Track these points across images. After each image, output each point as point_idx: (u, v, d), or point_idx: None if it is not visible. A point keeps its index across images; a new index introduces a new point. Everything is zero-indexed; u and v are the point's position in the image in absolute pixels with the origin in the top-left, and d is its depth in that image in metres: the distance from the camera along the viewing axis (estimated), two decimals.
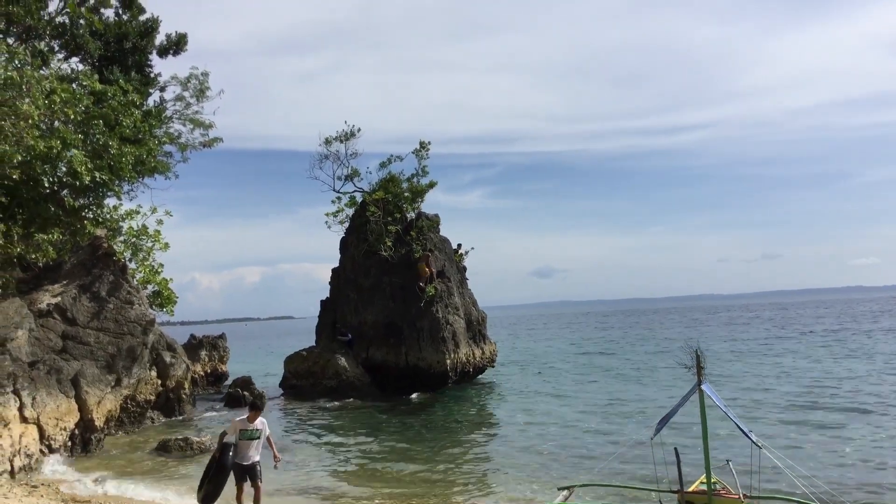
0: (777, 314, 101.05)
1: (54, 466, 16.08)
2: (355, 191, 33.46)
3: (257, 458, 11.27)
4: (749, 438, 9.92)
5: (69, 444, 17.36)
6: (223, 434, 11.23)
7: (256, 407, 11.42)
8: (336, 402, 26.91)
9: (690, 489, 10.45)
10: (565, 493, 11.72)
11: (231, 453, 10.90)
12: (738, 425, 10.09)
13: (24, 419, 15.73)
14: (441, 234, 32.78)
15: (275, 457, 11.69)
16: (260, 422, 11.27)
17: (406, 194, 32.36)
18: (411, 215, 32.30)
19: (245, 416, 11.25)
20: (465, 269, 33.76)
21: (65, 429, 17.11)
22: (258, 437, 11.21)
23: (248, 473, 11.08)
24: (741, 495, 10.21)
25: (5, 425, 14.93)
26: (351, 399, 27.33)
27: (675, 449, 10.07)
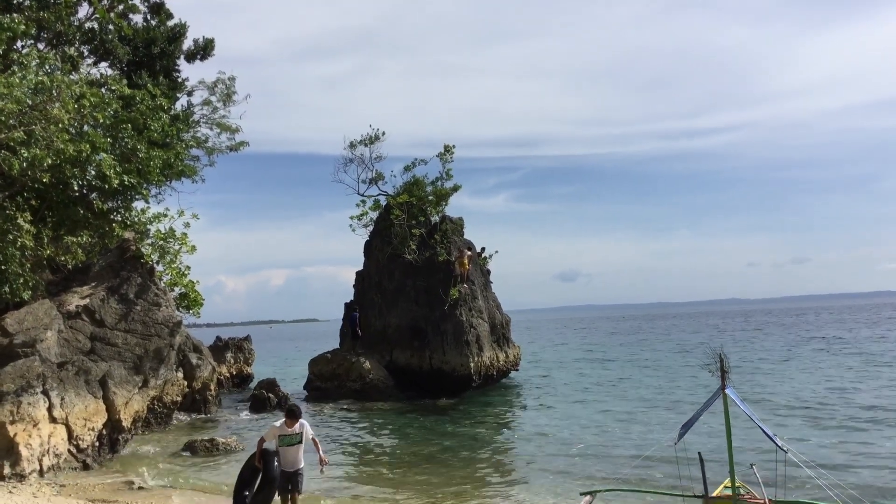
0: (801, 319, 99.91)
1: (82, 467, 16.28)
2: (379, 194, 33.61)
3: (302, 465, 10.68)
4: (774, 443, 9.83)
5: (97, 444, 17.56)
6: (261, 440, 10.69)
7: (293, 415, 10.58)
8: (360, 405, 27.01)
9: (714, 494, 10.37)
10: (588, 498, 11.68)
11: (276, 462, 10.40)
12: (762, 429, 10.00)
13: (52, 419, 15.95)
14: (465, 237, 32.81)
15: (321, 460, 11.04)
16: (299, 424, 10.62)
17: (430, 198, 32.41)
18: (435, 218, 32.35)
19: (283, 422, 10.59)
20: (489, 272, 33.74)
21: (93, 429, 17.32)
22: (300, 442, 10.56)
23: (291, 481, 10.51)
24: (766, 500, 10.12)
25: (34, 425, 15.15)
26: (375, 402, 27.40)
27: (699, 453, 10.00)
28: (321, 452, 10.92)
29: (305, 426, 10.65)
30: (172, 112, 26.75)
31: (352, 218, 33.56)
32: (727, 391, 9.54)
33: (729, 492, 10.14)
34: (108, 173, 20.56)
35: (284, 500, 10.50)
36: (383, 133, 33.44)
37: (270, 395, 27.81)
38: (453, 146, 32.81)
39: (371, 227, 33.36)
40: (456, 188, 32.83)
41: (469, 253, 30.91)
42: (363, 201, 33.49)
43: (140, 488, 14.47)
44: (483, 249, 33.81)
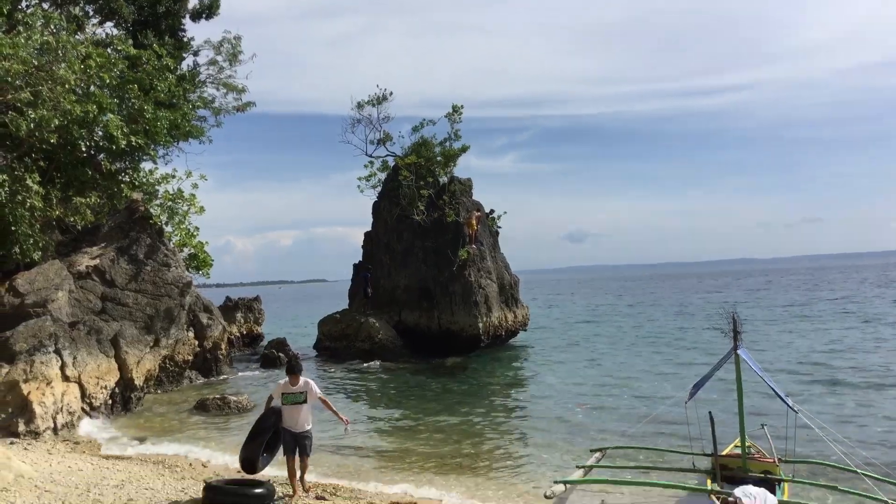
0: (811, 278, 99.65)
1: (95, 424, 16.48)
2: (387, 155, 33.42)
3: (308, 427, 10.13)
4: (785, 403, 9.86)
5: (110, 402, 17.77)
6: (270, 398, 10.46)
7: (293, 370, 10.14)
8: (369, 364, 27.19)
9: (724, 452, 10.44)
10: (598, 455, 11.79)
11: (278, 418, 10.09)
12: (774, 390, 10.02)
13: (65, 378, 16.11)
14: (474, 198, 32.68)
15: (340, 418, 10.36)
16: (304, 383, 10.11)
17: (438, 158, 32.22)
18: (444, 179, 32.19)
19: (287, 380, 10.17)
20: (497, 233, 33.67)
21: (105, 387, 17.50)
22: (303, 401, 10.02)
23: (299, 444, 10.02)
24: (776, 459, 10.18)
25: (48, 384, 15.30)
26: (384, 361, 27.57)
27: (710, 413, 10.03)
28: (337, 411, 10.40)
29: (312, 386, 10.20)
30: (178, 72, 26.60)
31: (360, 179, 33.47)
32: (739, 352, 9.54)
33: (739, 451, 10.20)
34: (115, 134, 20.53)
35: (290, 462, 10.01)
36: (390, 93, 33.18)
37: (281, 354, 28.01)
38: (461, 106, 32.55)
39: (379, 189, 33.26)
40: (464, 149, 32.63)
41: (478, 213, 30.85)
42: (371, 162, 33.37)
43: (152, 444, 14.64)
44: (492, 211, 33.70)
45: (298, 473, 10.10)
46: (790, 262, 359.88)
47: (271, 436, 10.21)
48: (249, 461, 10.16)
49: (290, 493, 10.12)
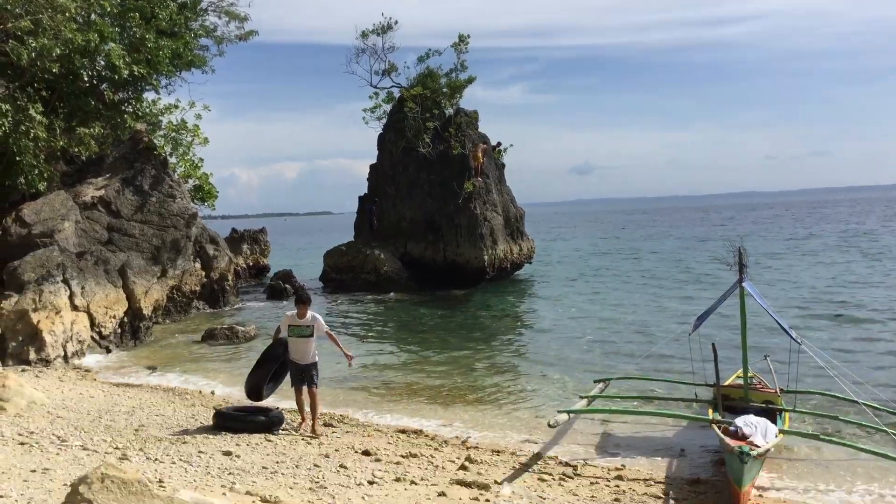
0: (816, 212, 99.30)
1: (105, 353, 16.72)
2: (392, 86, 32.99)
3: (314, 360, 10.13)
4: (788, 335, 9.93)
5: (119, 331, 17.98)
6: (278, 329, 10.41)
7: (301, 300, 10.07)
8: (375, 296, 27.39)
9: (726, 383, 10.56)
10: (601, 385, 11.94)
11: (285, 349, 10.10)
12: (777, 322, 10.09)
13: (74, 307, 16.27)
14: (479, 130, 32.38)
15: (346, 355, 10.26)
16: (311, 317, 9.99)
17: (444, 90, 31.82)
18: (450, 111, 31.86)
19: (294, 312, 10.06)
20: (503, 165, 33.47)
21: (114, 317, 17.69)
22: (309, 335, 9.95)
23: (305, 375, 10.03)
24: (777, 390, 10.31)
25: (57, 313, 15.46)
26: (390, 293, 27.76)
27: (713, 344, 10.13)
28: (344, 349, 10.24)
29: (318, 320, 10.07)
30: (180, 0, 26.03)
31: (365, 111, 33.14)
32: (744, 284, 9.57)
33: (741, 381, 10.32)
34: (117, 63, 20.26)
35: (299, 393, 10.10)
36: (396, 22, 32.58)
37: (287, 285, 28.21)
38: (468, 36, 31.96)
39: (384, 120, 32.93)
40: (471, 80, 32.20)
41: (483, 146, 30.61)
42: (376, 93, 32.99)
43: (162, 373, 14.88)
44: (499, 143, 33.42)
45: (308, 405, 10.14)
46: (797, 196, 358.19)
47: (278, 366, 10.33)
48: (255, 389, 10.33)
49: (300, 420, 10.25)
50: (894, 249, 38.56)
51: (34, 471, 7.31)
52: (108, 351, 16.94)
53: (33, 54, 18.42)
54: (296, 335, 9.97)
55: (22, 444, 8.52)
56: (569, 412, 9.93)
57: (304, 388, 10.08)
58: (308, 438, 9.67)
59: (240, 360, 16.36)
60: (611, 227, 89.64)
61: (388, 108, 32.82)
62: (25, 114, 18.56)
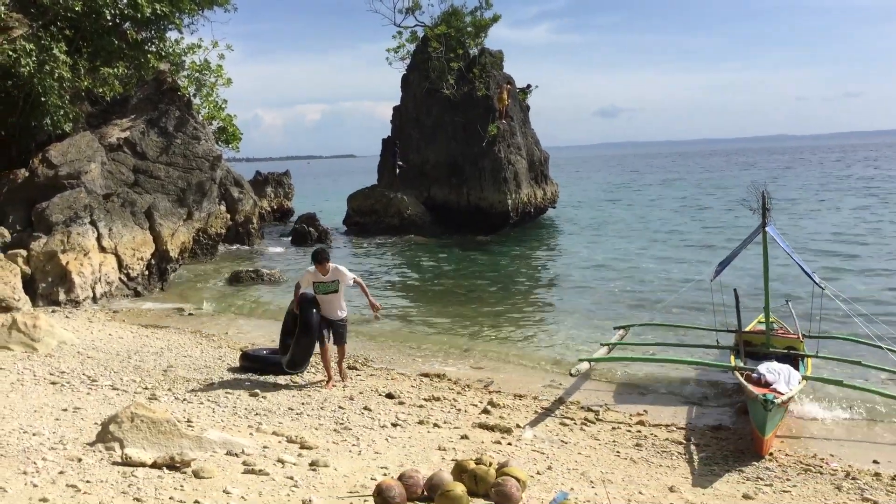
0: (845, 155, 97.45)
1: (133, 295, 16.94)
2: (416, 25, 32.44)
3: (343, 314, 9.61)
4: (812, 279, 9.83)
5: (146, 273, 18.18)
6: (297, 286, 9.70)
7: (318, 259, 9.36)
8: (399, 239, 27.46)
9: (748, 328, 10.51)
10: (622, 332, 11.93)
11: (317, 308, 9.33)
12: (801, 267, 9.98)
13: (102, 249, 16.43)
14: (504, 71, 31.92)
15: (372, 306, 9.77)
16: (335, 270, 9.39)
17: (469, 29, 31.26)
18: (474, 51, 31.35)
19: (315, 269, 9.43)
20: (528, 108, 33.06)
21: (142, 259, 17.86)
22: (336, 290, 9.42)
23: (335, 332, 9.49)
24: (800, 335, 10.24)
25: (85, 254, 15.64)
26: (413, 237, 27.82)
27: (735, 290, 10.04)
28: (371, 297, 9.76)
29: (343, 272, 9.47)
30: None
31: (388, 50, 32.72)
32: (768, 229, 9.43)
33: (763, 326, 10.26)
34: (139, 1, 20.08)
35: (326, 351, 9.44)
36: None
37: (311, 229, 28.34)
38: None
39: (408, 61, 32.51)
40: (496, 18, 31.59)
41: (508, 87, 30.20)
42: (399, 33, 32.49)
43: (190, 314, 15.08)
44: (528, 86, 32.93)
45: (334, 362, 9.64)
46: (828, 139, 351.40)
47: (291, 320, 9.51)
48: (301, 362, 9.64)
49: (326, 379, 9.58)
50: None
51: (65, 410, 7.49)
52: (137, 293, 17.15)
53: None
54: (322, 292, 9.40)
55: (53, 383, 8.72)
56: (590, 360, 9.96)
57: (333, 345, 9.54)
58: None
59: (266, 303, 16.55)
60: (636, 172, 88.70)
61: (411, 48, 32.38)
62: (49, 53, 18.52)
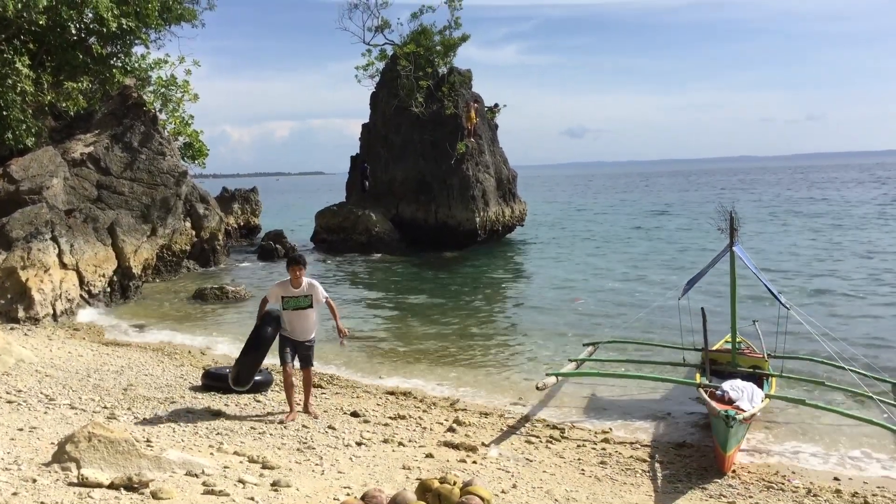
0: (802, 177, 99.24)
1: (94, 312, 16.66)
2: (385, 43, 32.52)
3: (313, 335, 8.72)
4: (777, 300, 9.96)
5: (108, 290, 17.91)
6: (264, 301, 8.84)
7: (296, 260, 8.60)
8: (366, 257, 27.36)
9: (715, 348, 10.60)
10: (590, 348, 11.97)
11: (277, 325, 8.62)
12: (767, 287, 10.10)
13: (63, 265, 16.15)
14: (473, 90, 32.09)
15: (339, 330, 8.80)
16: (308, 285, 8.57)
17: (438, 48, 31.41)
18: (443, 70, 31.49)
19: (286, 279, 8.59)
20: (496, 126, 33.24)
21: (103, 275, 17.60)
22: (309, 305, 8.55)
23: (300, 354, 8.61)
24: (765, 355, 10.36)
25: (45, 270, 15.35)
26: (381, 254, 27.74)
27: (703, 309, 10.14)
28: (339, 322, 8.85)
29: (317, 287, 8.66)
30: None
31: (357, 68, 32.73)
32: (735, 248, 9.56)
33: (729, 346, 10.36)
34: (105, 16, 19.92)
35: (290, 375, 8.52)
36: None
37: (278, 245, 28.12)
38: None
39: (377, 79, 32.55)
40: (465, 38, 31.77)
41: (476, 106, 30.37)
42: (369, 51, 32.54)
43: (151, 332, 14.85)
44: (496, 105, 33.14)
45: (298, 390, 8.78)
46: (790, 161, 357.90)
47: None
48: (245, 379, 9.09)
49: (287, 409, 8.67)
50: (872, 219, 38.61)
51: (21, 429, 7.31)
52: (98, 310, 16.87)
53: (19, 5, 18.10)
54: (292, 307, 8.52)
55: (9, 402, 8.51)
56: (557, 375, 9.96)
57: (297, 369, 8.66)
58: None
59: (229, 320, 16.36)
60: (604, 191, 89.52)
61: (381, 66, 32.44)
62: (12, 67, 18.27)
